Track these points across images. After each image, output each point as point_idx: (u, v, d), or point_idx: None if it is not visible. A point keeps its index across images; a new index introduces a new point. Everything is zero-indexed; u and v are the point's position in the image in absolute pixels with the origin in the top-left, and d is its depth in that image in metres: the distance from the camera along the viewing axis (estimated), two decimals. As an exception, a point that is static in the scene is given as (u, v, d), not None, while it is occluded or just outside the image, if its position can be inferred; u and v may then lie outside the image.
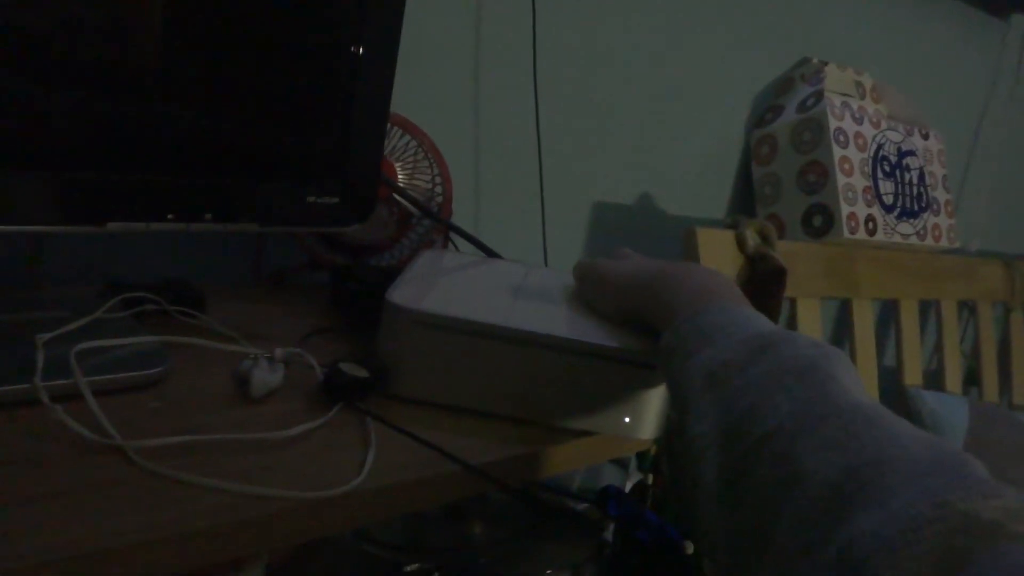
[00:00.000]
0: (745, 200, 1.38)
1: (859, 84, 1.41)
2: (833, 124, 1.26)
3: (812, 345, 0.41)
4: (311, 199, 0.61)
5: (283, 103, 0.58)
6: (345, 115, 0.61)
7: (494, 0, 0.97)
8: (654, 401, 0.56)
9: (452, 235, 0.83)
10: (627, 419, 0.56)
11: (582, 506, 0.70)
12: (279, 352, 0.56)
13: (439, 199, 0.82)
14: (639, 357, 0.54)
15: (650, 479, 0.67)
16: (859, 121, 1.32)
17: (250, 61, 0.55)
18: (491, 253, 0.77)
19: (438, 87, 0.95)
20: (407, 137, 0.81)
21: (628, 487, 0.80)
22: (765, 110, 1.37)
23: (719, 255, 1.04)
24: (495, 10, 0.97)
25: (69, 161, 0.50)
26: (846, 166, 1.25)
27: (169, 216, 0.54)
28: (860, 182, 1.28)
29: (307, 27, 0.58)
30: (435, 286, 0.62)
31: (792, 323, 1.18)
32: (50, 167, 0.49)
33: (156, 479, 0.40)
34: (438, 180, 0.82)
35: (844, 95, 1.36)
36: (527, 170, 1.04)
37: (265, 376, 0.52)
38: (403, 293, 0.56)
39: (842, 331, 1.65)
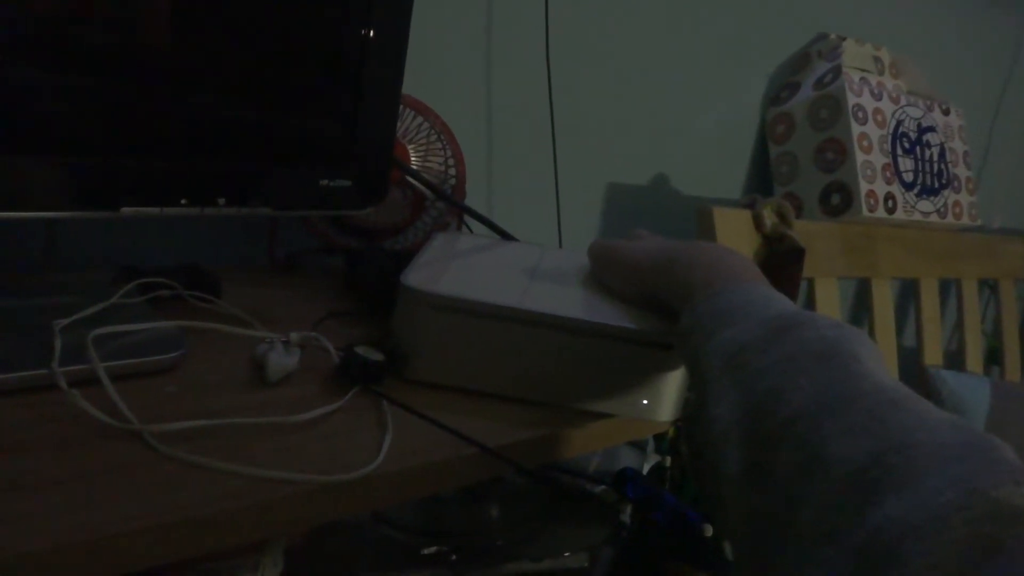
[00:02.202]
0: (761, 179, 1.36)
1: (878, 59, 1.38)
2: (851, 100, 1.24)
3: (834, 326, 0.40)
4: (324, 183, 0.60)
5: (294, 86, 0.58)
6: (356, 98, 0.60)
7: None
8: (672, 383, 0.56)
9: (466, 218, 0.82)
10: (645, 401, 0.56)
11: (599, 488, 0.70)
12: (294, 336, 0.56)
13: (452, 181, 0.81)
14: (656, 338, 0.54)
15: (668, 461, 0.67)
16: (878, 97, 1.29)
17: (260, 44, 0.55)
18: (506, 235, 0.76)
19: (450, 68, 0.95)
20: (420, 119, 0.80)
21: (646, 469, 0.80)
22: (781, 87, 1.35)
23: (736, 235, 1.03)
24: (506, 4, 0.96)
25: (82, 147, 0.50)
26: (865, 143, 1.24)
27: (182, 201, 0.53)
28: (879, 159, 1.26)
29: (317, 9, 0.57)
30: (450, 269, 0.61)
31: (810, 303, 1.17)
32: (63, 153, 0.49)
33: (173, 463, 0.40)
34: (451, 162, 0.81)
35: (862, 71, 1.33)
36: (540, 151, 1.03)
37: (281, 360, 0.52)
38: (418, 276, 0.56)
39: (861, 311, 1.63)
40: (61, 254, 0.66)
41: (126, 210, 0.51)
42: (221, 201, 0.55)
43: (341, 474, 0.41)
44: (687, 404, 0.56)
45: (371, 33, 0.59)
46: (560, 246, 1.05)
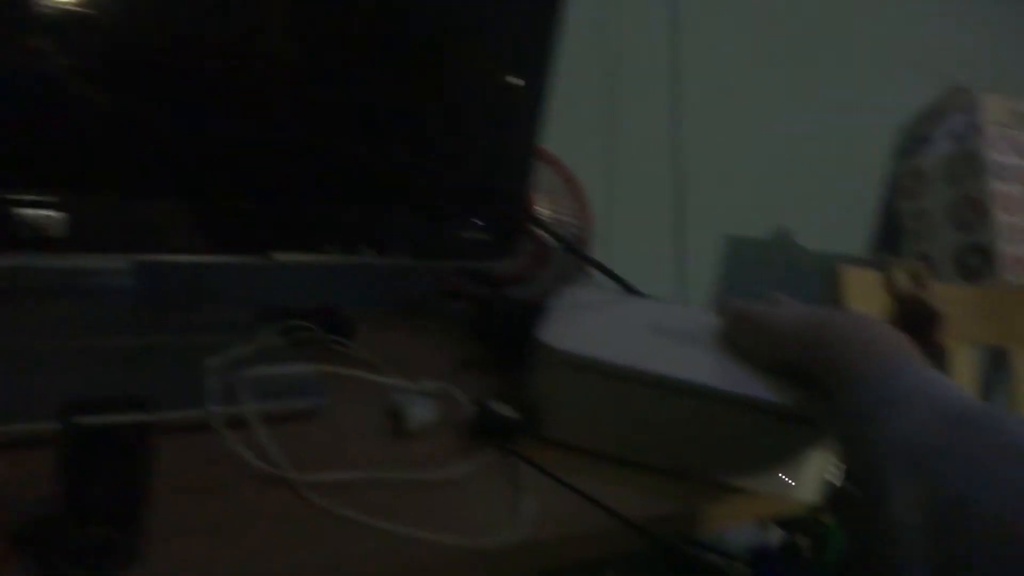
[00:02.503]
0: (888, 236, 1.30)
1: (1018, 114, 1.30)
2: (991, 157, 1.17)
3: (1021, 422, 0.37)
4: (463, 235, 0.61)
5: (442, 138, 0.59)
6: (500, 149, 0.61)
7: (634, 35, 0.96)
8: (816, 460, 0.53)
9: (589, 268, 0.81)
10: (786, 478, 0.53)
11: (726, 561, 0.66)
12: (428, 385, 0.56)
13: (578, 232, 0.81)
14: (803, 413, 0.51)
15: (800, 540, 0.63)
16: (1021, 154, 1.22)
17: (411, 96, 0.56)
18: (631, 290, 0.75)
19: (574, 118, 0.95)
20: (548, 169, 0.81)
21: (769, 541, 0.76)
22: (912, 141, 1.29)
23: (866, 296, 0.98)
24: (635, 44, 0.96)
25: (240, 193, 0.52)
26: (1006, 203, 1.16)
27: (331, 249, 0.55)
28: (1023, 221, 1.18)
29: (468, 59, 0.58)
30: (583, 326, 0.61)
31: (941, 370, 1.10)
32: (222, 199, 0.51)
33: (323, 515, 0.41)
34: (577, 213, 0.81)
35: (1003, 125, 1.26)
36: (661, 201, 1.02)
37: (419, 412, 0.52)
38: (554, 333, 0.55)
39: (997, 381, 1.52)
40: (205, 290, 0.69)
41: (279, 256, 0.53)
42: (366, 250, 0.56)
43: (486, 539, 0.41)
44: (848, 493, 0.53)
45: (518, 81, 0.59)
46: (681, 300, 1.02)
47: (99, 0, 0.43)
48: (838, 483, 0.54)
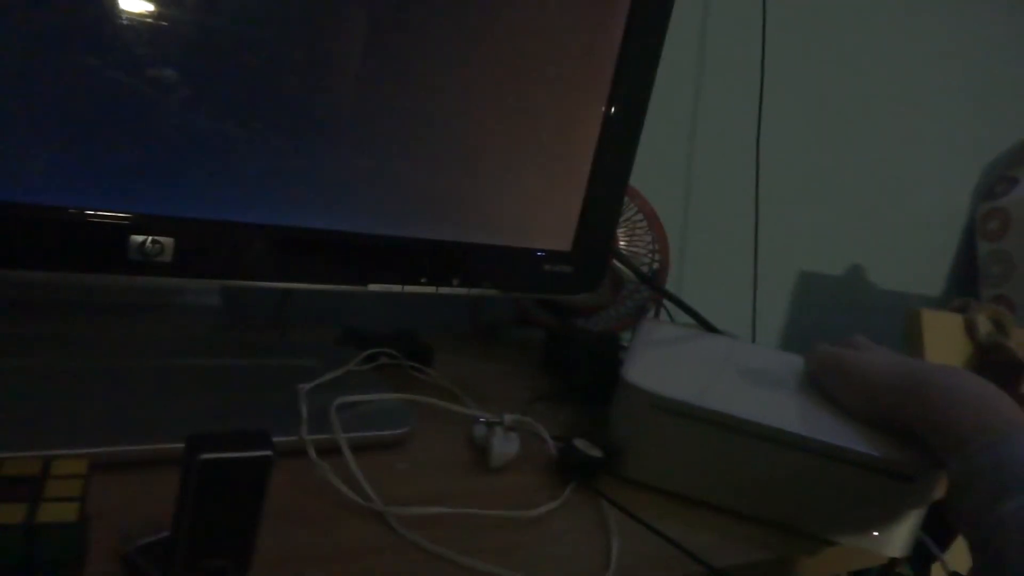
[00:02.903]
0: (967, 278, 1.26)
1: (1109, 156, 1.26)
2: (1080, 200, 1.13)
3: None
4: (547, 267, 0.61)
5: (532, 167, 0.59)
6: (591, 181, 0.61)
7: (717, 68, 0.95)
8: (911, 517, 0.51)
9: (664, 301, 0.81)
10: (876, 532, 0.52)
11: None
12: (509, 419, 0.56)
13: (656, 266, 0.80)
14: (901, 469, 0.50)
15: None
16: (1111, 198, 1.18)
17: (504, 123, 0.57)
18: (710, 327, 0.74)
19: (652, 150, 0.95)
20: (627, 202, 0.81)
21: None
22: (996, 181, 1.25)
23: (945, 340, 0.95)
24: (719, 74, 0.96)
25: (343, 222, 0.53)
26: (1095, 248, 1.12)
27: (422, 280, 0.55)
28: (1112, 267, 1.14)
29: (562, 87, 0.58)
30: (666, 365, 0.60)
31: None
32: (324, 229, 0.52)
33: (416, 550, 0.41)
34: (656, 248, 0.80)
35: (1092, 168, 1.22)
36: (735, 236, 1.01)
37: (503, 446, 0.52)
38: (639, 372, 0.55)
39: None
40: (291, 312, 0.70)
41: (373, 287, 0.54)
42: (455, 282, 0.57)
43: (577, 584, 0.41)
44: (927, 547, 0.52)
45: (612, 111, 0.59)
46: (754, 336, 1.01)
47: (214, 29, 0.44)
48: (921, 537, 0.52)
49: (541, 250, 0.61)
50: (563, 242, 0.62)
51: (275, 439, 0.47)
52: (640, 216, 0.81)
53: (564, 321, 0.80)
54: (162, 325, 0.61)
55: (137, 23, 0.42)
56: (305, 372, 0.55)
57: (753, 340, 1.02)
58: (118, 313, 0.59)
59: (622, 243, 0.78)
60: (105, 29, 0.41)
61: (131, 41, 0.42)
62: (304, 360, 0.60)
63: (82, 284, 0.55)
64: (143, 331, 0.59)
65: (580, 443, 0.53)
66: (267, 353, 0.62)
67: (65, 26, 0.41)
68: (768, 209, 1.01)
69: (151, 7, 0.42)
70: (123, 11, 0.41)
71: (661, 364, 0.60)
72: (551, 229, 0.61)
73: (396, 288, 0.55)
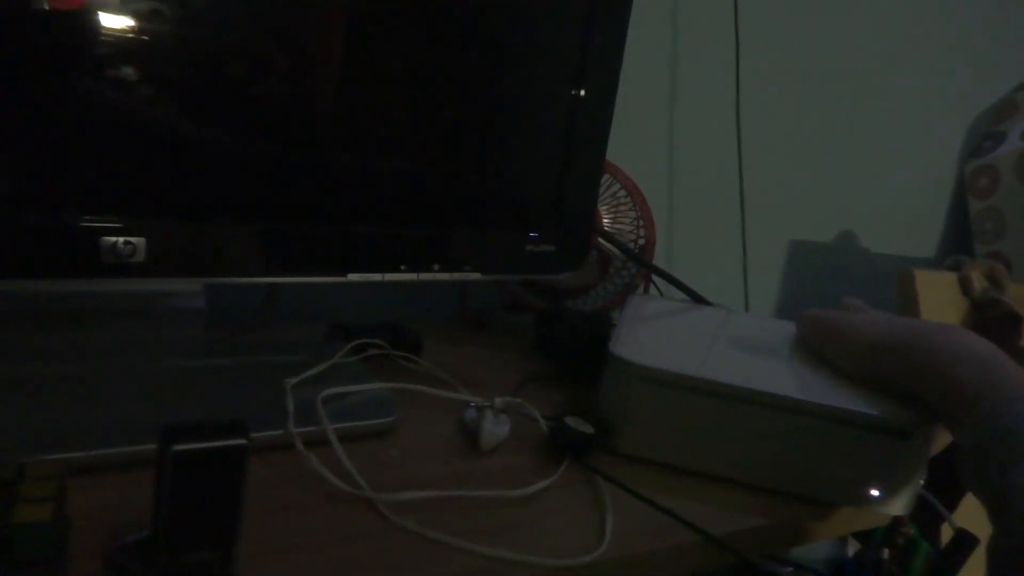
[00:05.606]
0: (959, 237, 1.26)
1: (1096, 106, 1.25)
2: (1068, 152, 1.13)
3: None
4: (530, 248, 0.61)
5: (506, 151, 0.59)
6: (565, 161, 0.60)
7: (693, 36, 0.95)
8: (911, 474, 0.51)
9: (654, 278, 0.80)
10: (875, 492, 0.51)
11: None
12: (499, 401, 0.56)
13: (642, 242, 0.80)
14: (898, 426, 0.49)
15: (885, 553, 0.61)
16: (1099, 148, 1.17)
17: (476, 110, 0.56)
18: (699, 299, 0.73)
19: (635, 127, 0.94)
20: (609, 179, 0.80)
21: (847, 554, 0.74)
22: (983, 138, 1.25)
23: (940, 300, 0.95)
24: (694, 44, 0.95)
25: (321, 217, 0.53)
26: (1086, 199, 1.11)
27: (402, 267, 0.55)
28: (1104, 217, 1.13)
29: (531, 70, 0.58)
30: (656, 338, 0.60)
31: None
32: (303, 222, 0.52)
33: (404, 534, 0.40)
34: (640, 223, 0.80)
35: (1079, 119, 1.21)
36: (722, 207, 1.00)
37: (493, 429, 0.52)
38: (627, 346, 0.55)
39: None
40: (278, 311, 0.70)
41: (352, 276, 0.53)
42: (436, 267, 0.56)
43: (572, 558, 0.40)
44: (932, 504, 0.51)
45: (582, 93, 0.59)
46: (746, 306, 1.00)
47: (179, 29, 0.44)
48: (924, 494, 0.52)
49: (521, 230, 0.60)
50: (543, 221, 0.61)
51: (262, 434, 0.47)
52: (624, 192, 0.80)
53: (555, 303, 0.80)
54: (148, 330, 0.60)
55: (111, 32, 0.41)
56: (292, 368, 0.54)
57: (746, 311, 1.01)
58: (103, 320, 0.58)
59: (606, 220, 0.78)
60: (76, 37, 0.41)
61: (101, 46, 0.42)
62: (291, 356, 0.59)
63: (59, 291, 0.54)
64: (128, 337, 0.59)
65: (571, 420, 0.53)
66: (254, 351, 0.61)
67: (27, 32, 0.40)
68: (753, 178, 1.00)
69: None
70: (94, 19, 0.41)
71: (650, 337, 0.59)
72: (530, 209, 0.61)
73: (376, 277, 0.54)
